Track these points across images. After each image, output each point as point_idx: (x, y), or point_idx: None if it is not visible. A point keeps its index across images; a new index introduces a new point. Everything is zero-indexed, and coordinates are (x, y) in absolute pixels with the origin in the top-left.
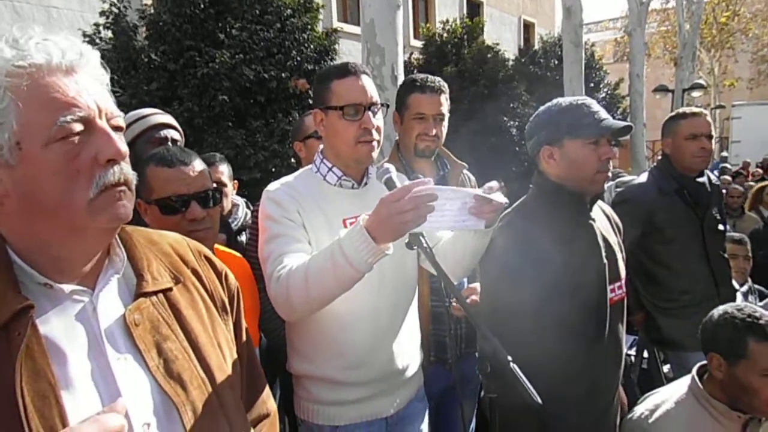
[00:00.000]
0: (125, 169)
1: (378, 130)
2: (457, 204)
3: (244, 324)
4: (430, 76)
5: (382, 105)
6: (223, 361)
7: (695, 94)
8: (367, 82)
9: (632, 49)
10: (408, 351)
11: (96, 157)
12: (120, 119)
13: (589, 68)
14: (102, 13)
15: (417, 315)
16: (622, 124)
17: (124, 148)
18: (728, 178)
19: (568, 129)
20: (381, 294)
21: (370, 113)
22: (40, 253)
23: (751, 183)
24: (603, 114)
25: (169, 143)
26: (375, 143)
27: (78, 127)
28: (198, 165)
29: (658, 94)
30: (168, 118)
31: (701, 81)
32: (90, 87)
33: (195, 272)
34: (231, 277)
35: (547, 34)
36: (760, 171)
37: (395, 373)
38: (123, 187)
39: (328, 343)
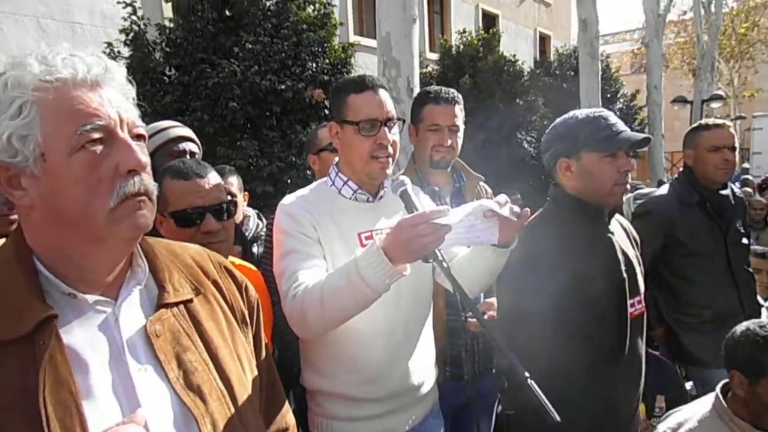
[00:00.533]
0: (146, 180)
1: (394, 145)
2: (472, 220)
3: (263, 337)
4: (444, 88)
5: (398, 120)
6: (243, 373)
7: (714, 105)
8: (384, 96)
9: (649, 61)
10: (423, 367)
11: (117, 167)
12: (142, 129)
13: (605, 80)
14: (122, 31)
15: (432, 330)
16: (641, 136)
17: (145, 159)
18: (749, 190)
19: (586, 141)
20: (397, 309)
21: (386, 129)
22: (64, 264)
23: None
24: (621, 126)
25: (187, 156)
26: (390, 159)
27: (98, 135)
28: (213, 177)
29: (676, 105)
30: (186, 131)
31: (720, 92)
32: (113, 99)
33: (215, 284)
34: (251, 289)
35: (563, 47)
36: None
37: (410, 389)
38: (143, 197)
39: (343, 359)
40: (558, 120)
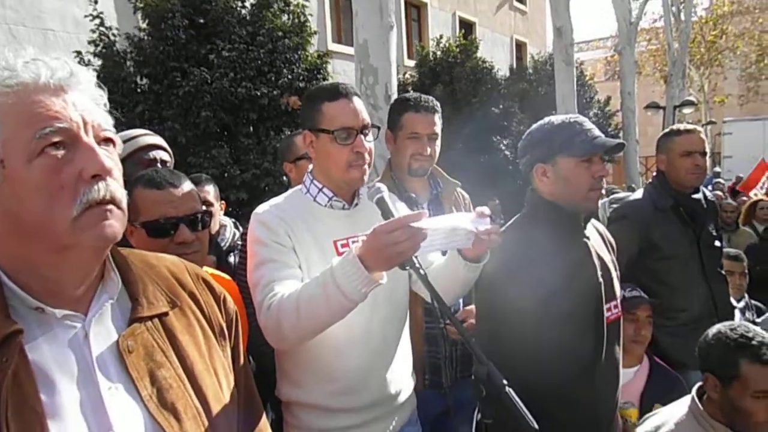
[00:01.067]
0: (112, 186)
1: (370, 152)
2: (449, 227)
3: (242, 350)
4: (423, 96)
5: (373, 126)
6: (219, 389)
7: (686, 110)
8: (358, 104)
9: (623, 68)
10: (401, 375)
11: (81, 172)
12: (110, 133)
13: (580, 86)
14: (90, 42)
15: (409, 338)
16: (615, 141)
17: (109, 164)
18: (720, 193)
19: (561, 147)
20: (373, 317)
21: (362, 137)
22: (30, 276)
23: (730, 202)
24: (595, 132)
25: (158, 164)
26: (366, 166)
27: (58, 138)
28: (187, 187)
29: (649, 110)
30: (157, 139)
31: (692, 98)
32: (79, 103)
33: (192, 296)
34: (230, 301)
35: (539, 53)
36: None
37: (388, 399)
38: (110, 206)
39: (319, 369)
40: (534, 126)
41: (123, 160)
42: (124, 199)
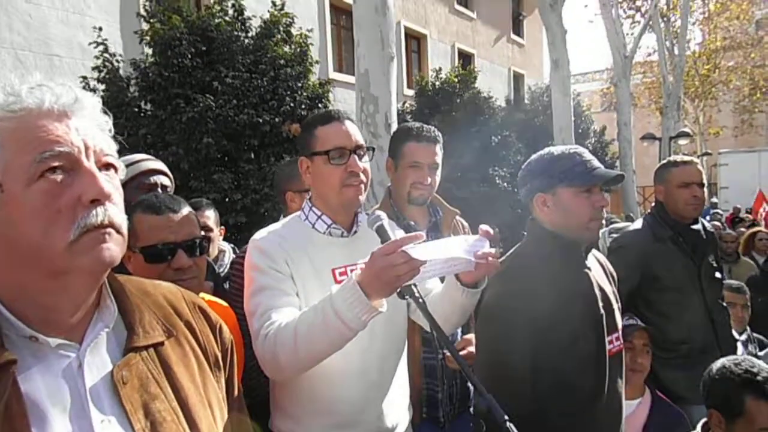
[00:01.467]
0: (111, 211)
1: (365, 173)
2: (449, 254)
3: (236, 381)
4: (425, 126)
5: (368, 149)
6: (213, 422)
7: (682, 141)
8: (350, 126)
9: (619, 99)
10: (397, 408)
11: (80, 197)
12: (113, 158)
13: (577, 116)
14: (95, 68)
15: (407, 369)
16: (615, 173)
17: (108, 189)
18: (718, 224)
19: (561, 177)
20: (371, 348)
21: (355, 156)
22: (25, 303)
23: (730, 232)
24: (595, 163)
25: (159, 189)
26: (362, 186)
27: (58, 162)
28: (186, 212)
29: (645, 141)
30: (159, 164)
31: (687, 129)
32: (82, 128)
33: (188, 325)
34: (226, 330)
35: (536, 85)
36: (750, 217)
37: None
38: (109, 230)
39: (315, 401)
40: (534, 156)
41: (124, 185)
42: (124, 224)
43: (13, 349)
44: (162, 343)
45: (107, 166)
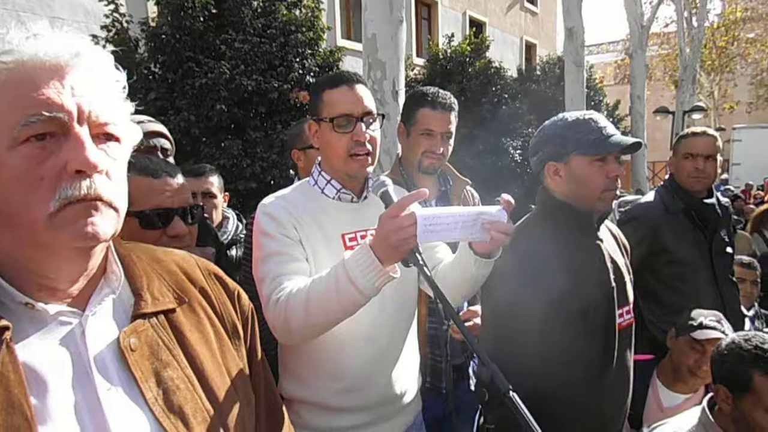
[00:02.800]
0: (100, 184)
1: (372, 141)
2: (464, 219)
3: (259, 350)
4: (441, 92)
5: (378, 115)
6: (234, 391)
7: (695, 116)
8: (360, 90)
9: (633, 71)
10: (406, 375)
11: (65, 165)
12: (114, 126)
13: (589, 89)
14: (104, 27)
15: (416, 338)
16: (631, 140)
17: (97, 159)
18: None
19: (575, 145)
20: (381, 315)
21: (362, 124)
22: (17, 269)
23: (752, 206)
24: (611, 129)
25: (159, 153)
26: (368, 157)
27: (46, 128)
28: (181, 178)
29: (658, 115)
30: (159, 127)
31: (701, 104)
32: (79, 88)
33: (203, 292)
34: (244, 297)
35: (548, 55)
36: (762, 194)
37: (393, 399)
38: (96, 203)
39: (324, 365)
40: (546, 122)
41: None
42: (115, 197)
43: (10, 316)
44: (173, 310)
45: (107, 136)
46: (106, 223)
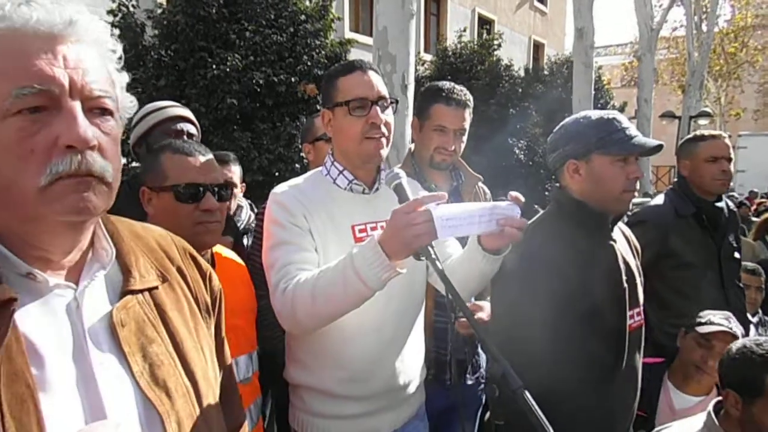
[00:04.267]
0: (92, 160)
1: (387, 125)
2: (479, 214)
3: (224, 328)
4: (456, 87)
5: (392, 101)
6: (207, 367)
7: (702, 121)
8: (374, 77)
9: (641, 74)
10: (411, 367)
11: (56, 140)
12: (109, 101)
13: (597, 90)
14: (110, 12)
15: (422, 330)
16: (655, 142)
17: (88, 134)
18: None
19: (598, 144)
20: (387, 307)
21: (377, 108)
22: (16, 241)
23: (753, 218)
24: (633, 131)
25: (185, 137)
26: (383, 139)
27: (37, 101)
28: (211, 157)
29: (664, 120)
30: (186, 112)
31: (708, 109)
32: (72, 59)
33: (180, 271)
34: (215, 278)
35: (556, 55)
36: (766, 202)
37: (397, 389)
38: (88, 179)
39: (330, 354)
40: (568, 120)
41: (150, 129)
42: (107, 172)
43: (11, 287)
44: (156, 288)
45: (101, 111)
46: (98, 198)
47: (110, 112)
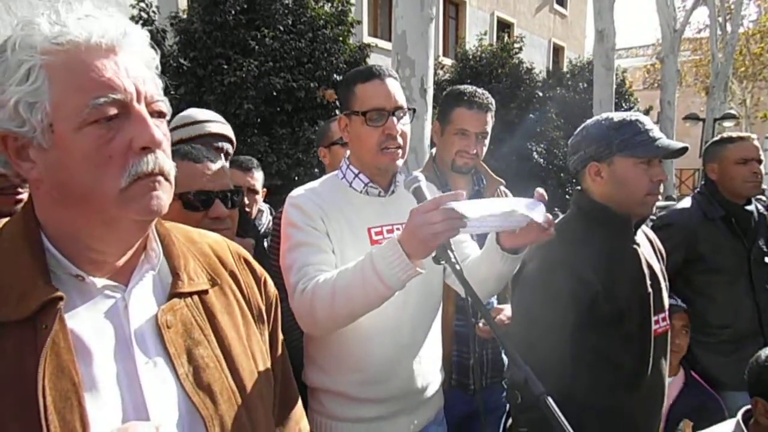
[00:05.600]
0: (161, 159)
1: (403, 136)
2: (498, 212)
3: (280, 335)
4: (478, 90)
5: (408, 110)
6: (257, 373)
7: (726, 123)
8: (392, 85)
9: (664, 76)
10: (429, 370)
11: (131, 143)
12: (163, 104)
13: (620, 94)
14: (132, 18)
15: (440, 333)
16: (679, 144)
17: (159, 136)
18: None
19: (620, 146)
20: (405, 310)
21: (394, 118)
22: (73, 243)
23: None
24: (657, 133)
25: (222, 156)
26: (399, 150)
27: (112, 110)
28: (221, 163)
29: (688, 122)
30: (226, 130)
31: (733, 111)
32: (131, 68)
33: (233, 275)
34: (270, 283)
35: (576, 58)
36: None
37: (414, 392)
38: (159, 177)
39: (347, 357)
40: (590, 121)
41: (189, 140)
42: (172, 171)
43: (60, 286)
44: (206, 291)
45: (159, 114)
46: (166, 196)
47: (164, 115)
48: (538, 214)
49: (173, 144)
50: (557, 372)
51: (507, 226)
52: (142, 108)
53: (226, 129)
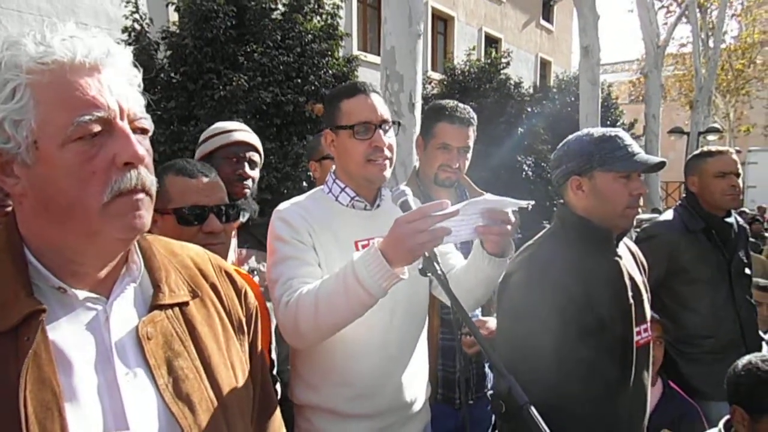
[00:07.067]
0: (144, 174)
1: (390, 148)
2: (473, 218)
3: (260, 345)
4: (460, 105)
5: (393, 123)
6: (236, 383)
7: (711, 137)
8: (376, 100)
9: (648, 91)
10: (416, 384)
11: (114, 159)
12: (146, 121)
13: (606, 108)
14: (125, 30)
15: (426, 347)
16: (657, 159)
17: (142, 152)
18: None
19: (600, 160)
20: (392, 323)
21: (380, 131)
22: (55, 256)
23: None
24: (636, 148)
25: (247, 165)
26: (387, 162)
27: (96, 127)
28: (216, 178)
29: (673, 135)
30: (251, 138)
31: (717, 125)
32: (114, 86)
33: (214, 287)
34: (251, 295)
35: (563, 73)
36: None
37: (402, 407)
38: (141, 195)
39: (335, 371)
40: (571, 136)
41: (213, 152)
42: (153, 187)
43: (42, 299)
44: (187, 303)
45: (141, 131)
46: (148, 213)
47: (147, 132)
48: (509, 203)
49: (202, 157)
50: (541, 382)
51: (488, 210)
52: (125, 125)
53: (252, 138)
